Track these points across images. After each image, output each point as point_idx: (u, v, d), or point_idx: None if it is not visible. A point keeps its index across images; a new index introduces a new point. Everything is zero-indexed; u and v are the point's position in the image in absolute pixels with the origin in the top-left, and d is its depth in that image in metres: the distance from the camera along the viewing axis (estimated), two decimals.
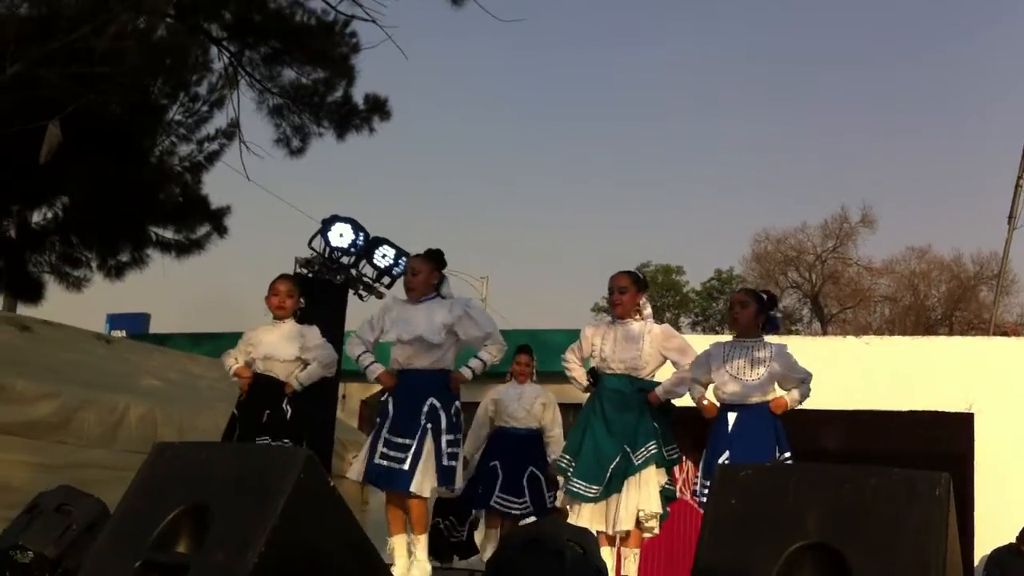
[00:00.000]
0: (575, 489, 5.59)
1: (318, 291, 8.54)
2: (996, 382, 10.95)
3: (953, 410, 10.93)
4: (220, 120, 11.23)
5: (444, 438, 5.35)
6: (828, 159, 48.73)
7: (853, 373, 11.06)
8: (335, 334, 8.77)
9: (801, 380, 5.55)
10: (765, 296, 5.83)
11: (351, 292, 8.94)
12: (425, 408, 5.39)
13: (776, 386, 5.56)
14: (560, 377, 6.13)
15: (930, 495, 2.36)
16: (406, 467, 5.24)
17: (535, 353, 7.54)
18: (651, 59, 51.98)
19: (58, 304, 11.71)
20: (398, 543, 5.37)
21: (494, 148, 53.94)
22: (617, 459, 5.51)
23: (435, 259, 5.68)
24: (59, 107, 7.22)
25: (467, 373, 5.58)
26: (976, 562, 10.07)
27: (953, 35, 47.01)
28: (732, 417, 5.48)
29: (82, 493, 3.74)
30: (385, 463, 5.31)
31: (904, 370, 11.01)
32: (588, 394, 5.95)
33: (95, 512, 3.43)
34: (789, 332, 31.42)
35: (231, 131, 11.16)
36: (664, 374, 5.82)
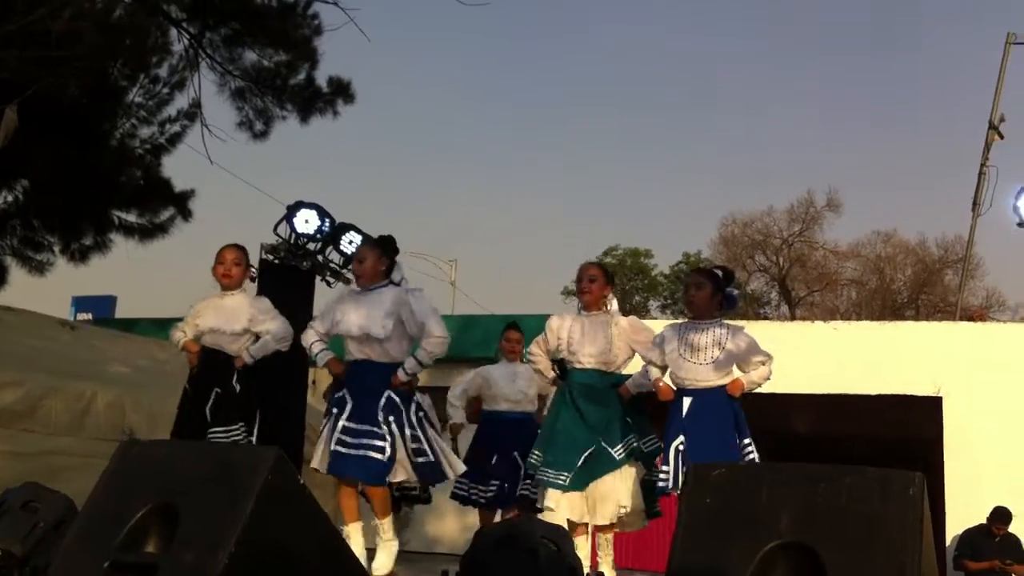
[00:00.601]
0: (544, 477, 5.46)
1: (284, 278, 8.47)
2: (964, 366, 11.10)
3: (922, 394, 11.06)
4: (182, 102, 11.11)
5: (408, 432, 5.18)
6: (794, 143, 48.96)
7: (822, 358, 11.17)
8: (302, 321, 8.70)
9: (760, 361, 5.38)
10: (721, 273, 5.63)
11: (318, 279, 8.85)
12: (383, 401, 5.20)
13: (735, 368, 5.42)
14: None
15: (904, 494, 2.35)
16: (383, 458, 5.09)
17: None
18: (617, 42, 51.93)
19: (23, 288, 11.57)
20: (354, 531, 5.21)
21: (461, 130, 53.76)
22: (591, 449, 5.39)
23: (383, 245, 5.44)
24: (16, 90, 7.09)
25: (402, 376, 5.25)
26: (948, 543, 10.22)
27: (917, 18, 47.30)
28: (687, 401, 5.33)
29: (48, 490, 3.68)
30: (343, 449, 5.12)
31: (873, 355, 11.13)
32: (555, 387, 5.86)
33: (62, 509, 3.38)
34: (758, 316, 31.73)
35: (192, 113, 11.03)
36: (634, 367, 5.72)
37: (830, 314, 29.71)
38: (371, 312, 5.29)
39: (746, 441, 5.27)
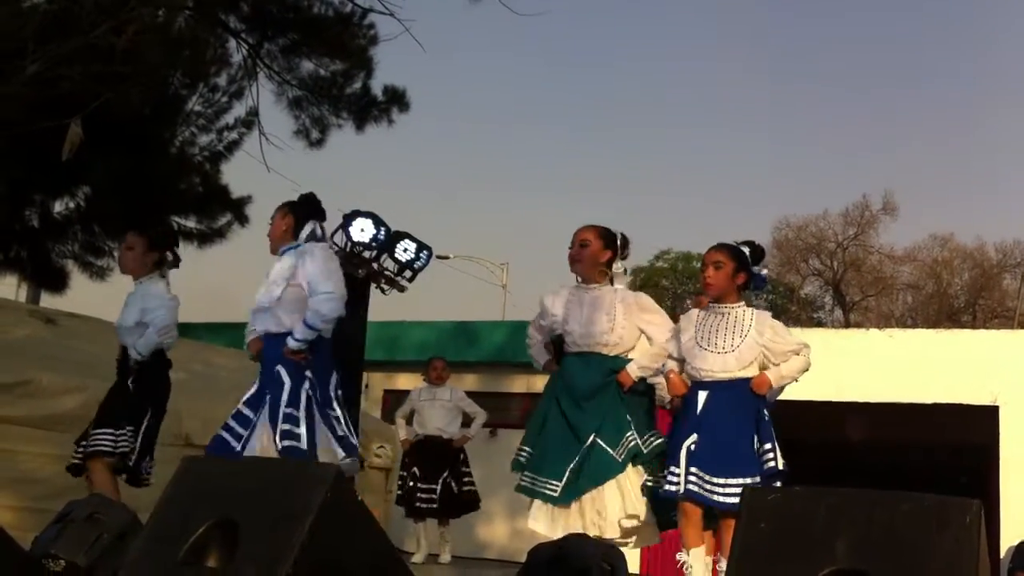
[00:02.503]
0: (529, 484, 4.77)
1: None
2: (1021, 375, 10.95)
3: (978, 403, 10.93)
4: (239, 110, 11.28)
5: (282, 411, 4.61)
6: (849, 146, 48.48)
7: (877, 366, 11.06)
8: (357, 328, 8.79)
9: (793, 352, 4.71)
10: (747, 249, 4.87)
11: (373, 286, 8.94)
12: (272, 376, 4.72)
13: (758, 362, 4.72)
14: None
15: (961, 522, 2.35)
16: (236, 445, 4.66)
17: None
18: (670, 48, 51.72)
19: (84, 294, 11.79)
20: None
21: (516, 133, 53.85)
22: (586, 452, 4.66)
23: (290, 203, 4.91)
24: (80, 104, 7.25)
25: (292, 344, 4.67)
26: (1002, 554, 10.11)
27: (976, 17, 46.57)
28: (702, 396, 4.65)
29: (112, 502, 3.78)
30: (224, 434, 4.74)
31: (928, 363, 11.02)
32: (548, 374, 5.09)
33: (126, 521, 3.47)
34: (811, 321, 31.49)
35: (250, 120, 11.18)
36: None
37: (885, 319, 29.43)
38: (267, 279, 4.87)
39: (767, 447, 4.59)
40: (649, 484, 4.77)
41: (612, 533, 4.66)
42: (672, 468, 4.58)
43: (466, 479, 8.65)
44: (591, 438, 4.69)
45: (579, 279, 4.99)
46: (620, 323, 4.81)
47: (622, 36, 52.87)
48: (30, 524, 5.35)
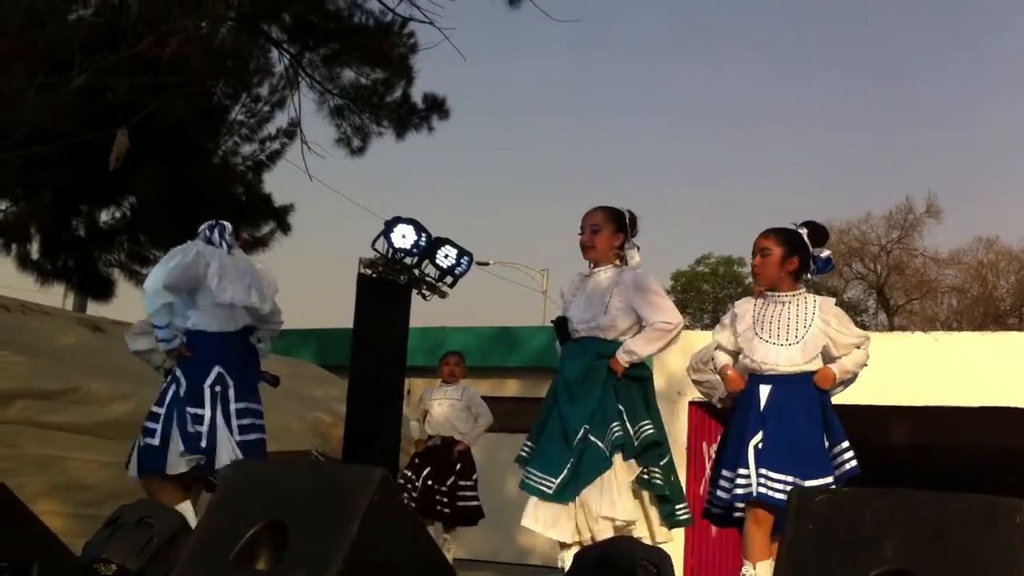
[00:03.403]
0: (528, 480, 4.42)
1: (382, 291, 8.66)
2: None
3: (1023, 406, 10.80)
4: (281, 120, 11.39)
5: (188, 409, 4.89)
6: (892, 148, 48.04)
7: (921, 369, 10.96)
8: (399, 334, 8.86)
9: (855, 344, 4.42)
10: (806, 230, 4.61)
11: (414, 292, 9.00)
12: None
13: (821, 356, 4.42)
14: None
15: (1010, 522, 2.33)
16: (154, 442, 4.93)
17: None
18: (709, 52, 51.52)
19: (129, 301, 11.93)
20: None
21: (554, 138, 53.86)
22: (581, 446, 4.34)
23: None
24: (126, 114, 7.36)
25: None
26: None
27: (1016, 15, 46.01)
28: (765, 391, 4.33)
29: (162, 506, 3.82)
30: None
31: (973, 366, 10.90)
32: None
33: (176, 525, 3.51)
34: (855, 325, 31.10)
35: (292, 130, 11.29)
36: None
37: (929, 322, 29.14)
38: None
39: (844, 446, 4.30)
40: (645, 478, 4.42)
41: (606, 533, 4.22)
42: (740, 470, 4.24)
43: (465, 492, 7.78)
44: (582, 432, 4.34)
45: (591, 265, 4.73)
46: (614, 304, 4.51)
47: (670, 38, 52.75)
48: (80, 530, 5.43)
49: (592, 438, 4.32)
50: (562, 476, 4.30)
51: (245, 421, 4.97)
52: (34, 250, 10.77)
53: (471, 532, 8.54)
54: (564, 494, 4.31)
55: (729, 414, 4.68)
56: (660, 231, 49.47)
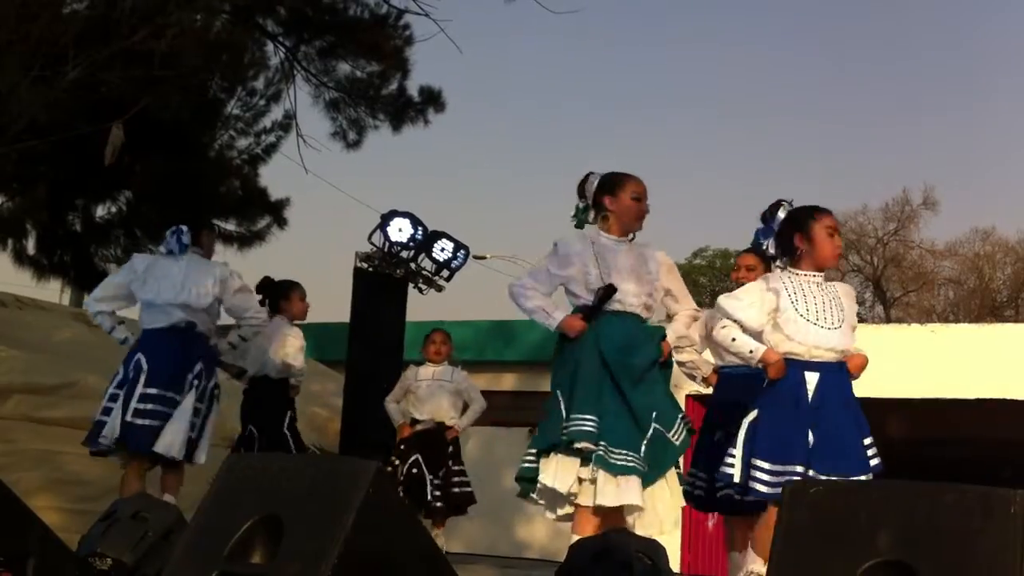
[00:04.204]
0: (616, 460, 3.91)
1: (378, 285, 8.65)
2: None
3: (1021, 398, 10.80)
4: (277, 113, 11.38)
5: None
6: (888, 140, 48.05)
7: (918, 361, 10.96)
8: (396, 327, 8.85)
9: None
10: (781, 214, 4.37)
11: (411, 286, 9.00)
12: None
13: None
14: None
15: (1006, 512, 2.33)
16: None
17: None
18: (706, 44, 51.53)
19: None
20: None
21: (551, 136, 53.86)
22: (648, 431, 4.00)
23: None
24: (121, 108, 7.34)
25: None
26: None
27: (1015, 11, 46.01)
28: (812, 379, 3.85)
29: (158, 501, 3.83)
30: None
31: (971, 358, 10.91)
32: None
33: (171, 519, 3.51)
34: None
35: (287, 123, 11.28)
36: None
37: (926, 314, 29.14)
38: None
39: (870, 440, 3.98)
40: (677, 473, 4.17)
41: (668, 529, 4.08)
42: (796, 467, 3.80)
43: (457, 478, 7.26)
44: (651, 420, 4.03)
45: (631, 235, 4.43)
46: (661, 286, 4.34)
47: (668, 30, 52.72)
48: (76, 525, 5.42)
49: (658, 427, 4.02)
50: (641, 455, 3.96)
51: (146, 406, 5.29)
52: (30, 245, 10.77)
53: (467, 526, 8.50)
54: (652, 475, 4.01)
55: (717, 395, 4.53)
56: (657, 224, 49.47)
